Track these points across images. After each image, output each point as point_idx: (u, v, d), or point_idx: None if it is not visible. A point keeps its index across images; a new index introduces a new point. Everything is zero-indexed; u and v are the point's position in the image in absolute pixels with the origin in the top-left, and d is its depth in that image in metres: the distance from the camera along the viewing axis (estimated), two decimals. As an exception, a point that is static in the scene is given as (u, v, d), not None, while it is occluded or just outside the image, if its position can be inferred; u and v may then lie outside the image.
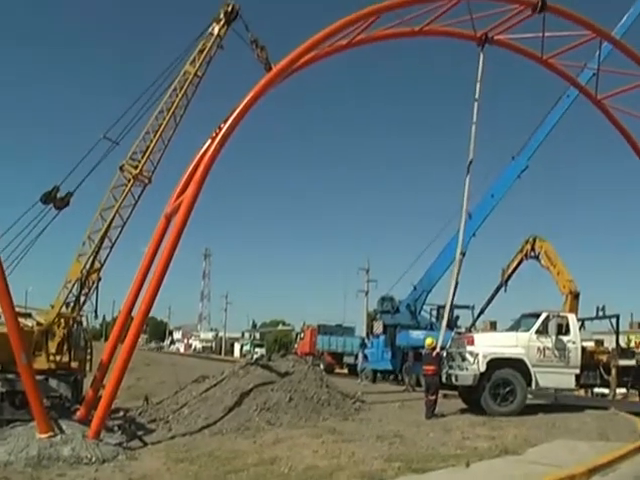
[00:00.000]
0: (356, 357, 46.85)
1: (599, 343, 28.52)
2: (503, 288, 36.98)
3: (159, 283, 19.22)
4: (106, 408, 18.50)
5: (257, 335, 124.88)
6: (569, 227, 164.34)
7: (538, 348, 22.72)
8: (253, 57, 23.42)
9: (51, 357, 23.02)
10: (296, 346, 64.07)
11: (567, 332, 23.29)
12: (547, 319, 23.19)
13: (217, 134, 20.68)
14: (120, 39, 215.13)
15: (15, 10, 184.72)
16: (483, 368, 21.96)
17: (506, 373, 22.12)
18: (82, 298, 23.53)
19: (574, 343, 23.24)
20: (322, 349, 56.50)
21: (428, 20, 24.15)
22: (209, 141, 21.60)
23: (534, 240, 34.01)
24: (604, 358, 25.07)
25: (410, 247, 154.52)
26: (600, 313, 28.46)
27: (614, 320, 27.41)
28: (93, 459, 16.37)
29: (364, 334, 58.27)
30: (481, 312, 39.14)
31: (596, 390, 30.32)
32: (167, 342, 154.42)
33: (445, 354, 23.63)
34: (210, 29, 23.18)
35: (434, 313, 42.46)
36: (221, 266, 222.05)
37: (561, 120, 38.05)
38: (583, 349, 23.97)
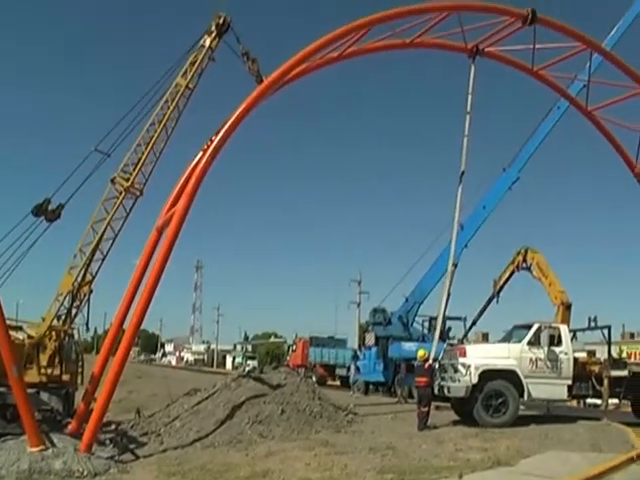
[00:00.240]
0: (348, 369, 46.77)
1: (591, 354, 28.49)
2: (495, 299, 36.88)
3: (151, 295, 19.18)
4: (98, 421, 18.42)
5: (249, 347, 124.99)
6: (561, 238, 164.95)
7: (530, 359, 22.72)
8: (244, 69, 23.48)
9: (42, 370, 22.92)
10: (288, 358, 64.09)
11: (559, 343, 23.31)
12: (539, 330, 23.21)
13: (208, 146, 20.67)
14: (117, 50, 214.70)
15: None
16: (475, 380, 21.95)
17: (498, 384, 22.11)
18: (73, 311, 23.45)
19: (566, 354, 23.26)
20: (314, 361, 56.44)
21: (419, 32, 24.22)
22: (200, 153, 21.62)
23: (526, 251, 33.98)
24: (596, 369, 25.06)
25: (402, 259, 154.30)
26: (592, 324, 28.43)
27: (606, 331, 27.40)
28: (85, 473, 16.30)
29: (356, 346, 58.27)
30: (473, 323, 39.01)
31: (588, 401, 30.37)
32: (159, 355, 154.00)
33: (437, 366, 23.60)
34: (202, 41, 23.20)
35: (426, 325, 42.32)
36: (213, 278, 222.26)
37: (552, 131, 38.18)
38: (575, 360, 23.99)
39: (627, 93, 28.30)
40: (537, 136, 38.16)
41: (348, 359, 49.59)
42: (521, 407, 23.10)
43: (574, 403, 30.12)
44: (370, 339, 44.27)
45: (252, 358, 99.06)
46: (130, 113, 23.01)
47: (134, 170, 22.88)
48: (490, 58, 26.60)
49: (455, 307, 35.98)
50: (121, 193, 22.82)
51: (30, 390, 19.38)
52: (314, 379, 44.95)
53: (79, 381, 24.46)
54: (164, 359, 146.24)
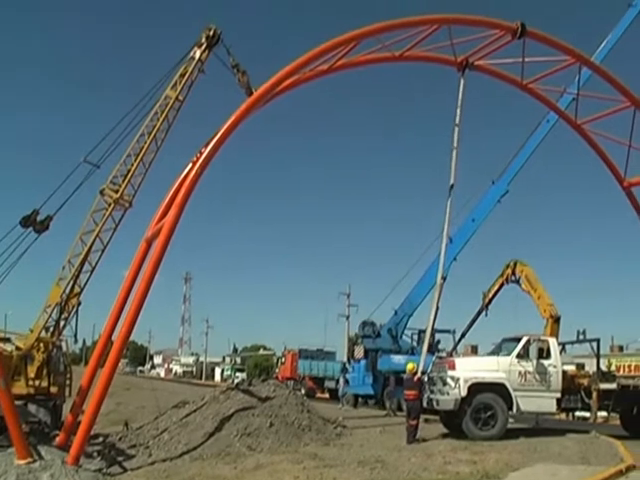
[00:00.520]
0: (337, 382, 46.63)
1: (580, 367, 28.51)
2: (484, 312, 36.85)
3: (139, 307, 19.15)
4: (85, 434, 18.34)
5: (238, 359, 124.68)
6: (550, 251, 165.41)
7: (519, 372, 22.72)
8: (234, 82, 23.51)
9: (30, 382, 22.84)
10: (277, 371, 63.95)
11: (548, 356, 23.34)
12: (528, 343, 23.22)
13: (198, 158, 20.70)
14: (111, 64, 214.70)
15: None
16: (464, 393, 21.92)
17: (487, 397, 22.07)
18: (62, 322, 23.42)
19: (555, 367, 23.27)
20: (303, 374, 56.40)
21: (409, 45, 24.34)
22: (190, 165, 21.62)
23: (515, 264, 34.02)
24: (585, 382, 25.07)
25: (391, 272, 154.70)
26: (581, 337, 28.53)
27: (595, 344, 27.48)
28: (72, 485, 16.22)
29: (345, 358, 58.04)
30: (462, 336, 38.99)
31: (577, 414, 30.34)
32: (148, 366, 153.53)
33: (426, 379, 23.59)
34: (191, 53, 23.26)
35: (415, 337, 42.33)
36: (202, 290, 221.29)
37: (541, 144, 38.38)
38: (564, 373, 24.01)
39: (616, 106, 28.47)
40: (526, 149, 38.32)
41: (337, 372, 49.52)
42: (510, 420, 23.07)
43: (563, 416, 30.05)
44: (359, 352, 44.18)
45: (241, 370, 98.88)
46: (120, 124, 23.06)
47: (123, 182, 22.89)
48: (480, 71, 26.73)
49: (444, 320, 35.98)
50: (110, 204, 22.81)
51: (18, 402, 19.31)
52: (303, 392, 44.90)
53: (67, 393, 24.40)
54: (153, 371, 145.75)
